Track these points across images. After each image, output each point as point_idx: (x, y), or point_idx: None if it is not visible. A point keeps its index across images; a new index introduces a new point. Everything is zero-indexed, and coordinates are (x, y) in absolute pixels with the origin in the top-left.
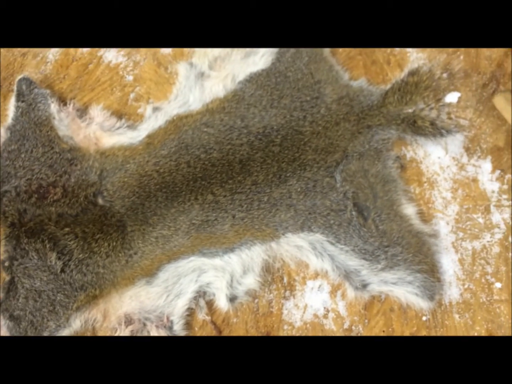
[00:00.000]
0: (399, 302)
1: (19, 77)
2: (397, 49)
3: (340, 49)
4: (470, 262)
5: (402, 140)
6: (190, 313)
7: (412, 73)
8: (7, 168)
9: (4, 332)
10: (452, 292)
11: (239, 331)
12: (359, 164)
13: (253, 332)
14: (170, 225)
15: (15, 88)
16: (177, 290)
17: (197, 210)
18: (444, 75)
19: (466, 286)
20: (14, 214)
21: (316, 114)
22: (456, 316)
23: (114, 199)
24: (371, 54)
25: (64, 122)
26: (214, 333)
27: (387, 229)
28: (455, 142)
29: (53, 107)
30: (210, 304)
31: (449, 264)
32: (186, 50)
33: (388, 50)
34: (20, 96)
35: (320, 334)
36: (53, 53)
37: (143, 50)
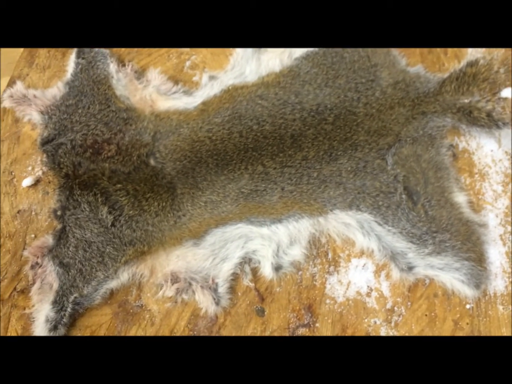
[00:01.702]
0: (443, 288)
1: None
2: None
3: None
4: None
5: (456, 129)
6: (235, 278)
7: (471, 64)
8: (64, 122)
9: (53, 278)
10: (498, 283)
11: (282, 301)
12: (412, 148)
13: (295, 303)
14: (219, 191)
15: None
16: (224, 254)
17: (246, 180)
18: (502, 69)
19: (511, 279)
20: (68, 166)
21: (370, 97)
22: (500, 307)
23: (166, 161)
24: None
25: (121, 82)
26: (257, 300)
27: (437, 215)
28: (509, 136)
29: (112, 66)
30: (254, 272)
31: (496, 256)
32: None
33: None
34: (80, 53)
35: (362, 312)
36: None
37: None
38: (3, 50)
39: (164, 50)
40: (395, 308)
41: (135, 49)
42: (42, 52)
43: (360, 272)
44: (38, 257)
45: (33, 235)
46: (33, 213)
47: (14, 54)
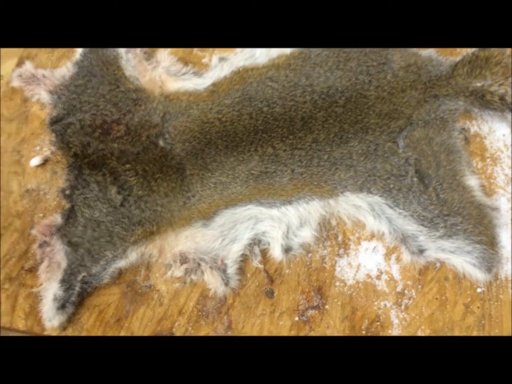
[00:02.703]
0: (454, 271)
1: None
2: None
3: None
4: None
5: (467, 113)
6: (244, 259)
7: (483, 48)
8: (73, 101)
9: (61, 257)
10: (509, 267)
11: (291, 283)
12: (423, 131)
13: (305, 285)
14: (229, 172)
15: None
16: (233, 235)
17: (256, 161)
18: None
19: None
20: (77, 146)
21: (382, 80)
22: (510, 291)
23: (175, 142)
24: None
25: (131, 62)
26: (266, 281)
27: (448, 198)
28: None
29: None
30: (264, 253)
31: (507, 240)
32: None
33: None
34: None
35: (371, 294)
36: None
37: None
38: None
39: None
40: (406, 291)
41: None
42: None
43: (370, 254)
44: (46, 236)
45: (41, 214)
46: (41, 192)
47: None
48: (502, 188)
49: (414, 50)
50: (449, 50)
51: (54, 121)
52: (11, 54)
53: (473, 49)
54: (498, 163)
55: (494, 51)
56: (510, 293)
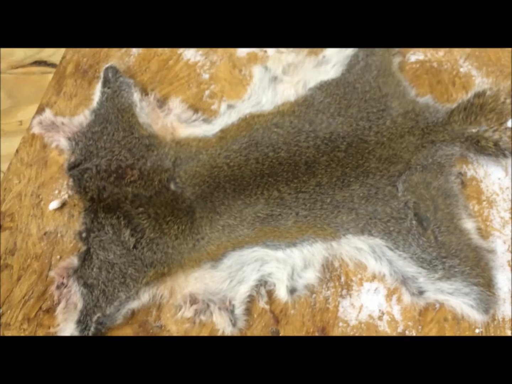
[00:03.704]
0: (453, 312)
1: (107, 65)
2: (463, 71)
3: (407, 67)
4: None
5: (464, 158)
6: (251, 300)
7: (478, 95)
8: (90, 148)
9: (78, 298)
10: (506, 308)
11: (296, 323)
12: (421, 176)
13: (309, 326)
14: (236, 215)
15: (101, 75)
16: (240, 277)
17: (262, 204)
18: (508, 100)
19: None
20: (94, 190)
21: (381, 125)
22: (509, 332)
23: (186, 186)
24: (437, 74)
25: (144, 110)
26: (272, 322)
27: (446, 241)
28: None
29: (136, 96)
30: (270, 294)
31: (504, 281)
32: (260, 54)
33: (454, 72)
34: (106, 83)
35: (374, 335)
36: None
37: (220, 51)
38: (32, 77)
39: (184, 79)
40: (406, 332)
41: (157, 78)
42: (70, 81)
43: (372, 295)
44: (63, 278)
45: (58, 256)
46: (59, 235)
47: (43, 82)
48: (498, 230)
49: (412, 97)
50: (445, 96)
51: (72, 167)
52: (31, 100)
53: (468, 96)
54: (494, 205)
55: (488, 98)
56: (508, 334)
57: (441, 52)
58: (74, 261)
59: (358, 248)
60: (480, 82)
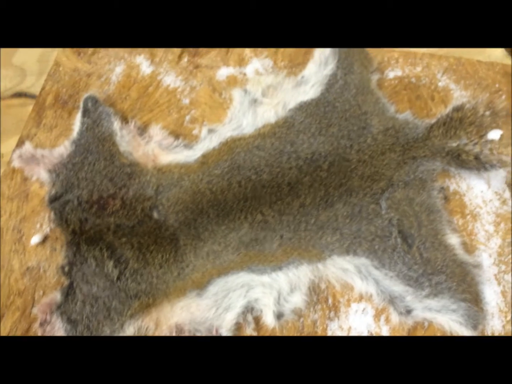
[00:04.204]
0: (442, 330)
1: (86, 95)
2: (441, 86)
3: (386, 83)
4: None
5: (446, 172)
6: (238, 327)
7: (457, 109)
8: (71, 179)
9: (62, 335)
10: (495, 323)
11: None
12: (404, 192)
13: None
14: (221, 241)
15: (81, 105)
16: (226, 304)
17: (246, 228)
18: (487, 112)
19: (508, 318)
20: (75, 222)
21: (362, 143)
22: None
23: (169, 214)
24: (416, 89)
25: (125, 138)
26: None
27: (432, 257)
28: (498, 177)
29: (116, 124)
30: (257, 320)
31: (491, 295)
32: (239, 77)
33: (432, 86)
34: (86, 113)
35: None
36: (116, 75)
37: (199, 76)
38: (13, 110)
39: (165, 105)
40: None
41: (137, 106)
42: (49, 112)
43: (360, 316)
44: (46, 314)
45: (41, 292)
46: (41, 270)
47: (23, 114)
48: (483, 244)
49: (392, 113)
50: (425, 112)
51: (53, 199)
52: (12, 133)
53: (447, 111)
54: (478, 219)
55: (467, 111)
56: None
57: (418, 67)
58: (57, 296)
59: (344, 269)
60: (459, 95)
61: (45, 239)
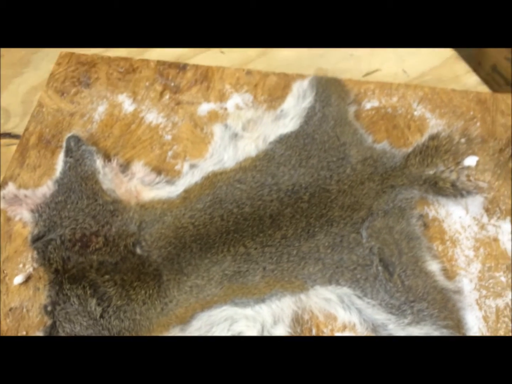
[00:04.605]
0: None
1: (68, 135)
2: (417, 115)
3: (363, 114)
4: (494, 320)
5: (424, 199)
6: None
7: (432, 137)
8: (53, 218)
9: None
10: None
11: None
12: (384, 221)
13: None
14: (204, 275)
15: (64, 144)
16: None
17: (229, 261)
18: (462, 140)
19: None
20: (58, 261)
21: (342, 174)
22: None
23: (152, 249)
24: (393, 119)
25: (108, 176)
26: None
27: (413, 284)
28: (475, 203)
29: (98, 162)
30: None
31: (473, 320)
32: (220, 112)
33: (409, 116)
34: (68, 152)
35: None
36: (99, 114)
37: (180, 112)
38: None
39: (147, 142)
40: None
41: (120, 143)
42: (33, 152)
43: None
44: None
45: (24, 332)
46: (24, 309)
47: (7, 155)
48: (463, 269)
49: (370, 144)
50: (402, 141)
51: (36, 239)
52: None
53: (423, 139)
54: (458, 244)
55: (443, 139)
56: None
57: (395, 98)
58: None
59: (326, 299)
60: (434, 124)
61: (28, 279)
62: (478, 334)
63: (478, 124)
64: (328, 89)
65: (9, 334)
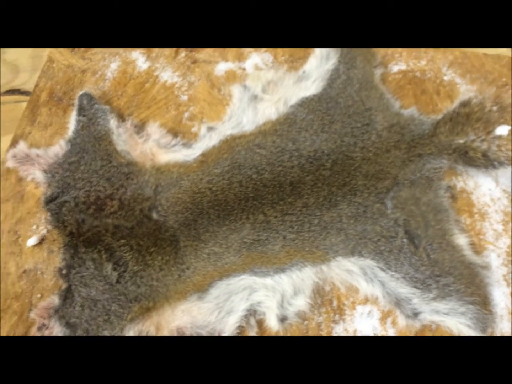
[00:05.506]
0: (450, 333)
1: (81, 92)
2: (447, 80)
3: (390, 78)
4: None
5: (452, 170)
6: (241, 331)
7: (464, 104)
8: (67, 179)
9: None
10: (504, 325)
11: None
12: (410, 191)
13: None
14: (222, 242)
15: (76, 102)
16: (228, 308)
17: (248, 229)
18: (494, 108)
19: None
20: (72, 224)
21: (366, 141)
22: None
23: (168, 214)
24: (421, 83)
25: (122, 137)
26: None
27: (439, 258)
28: (506, 174)
29: (112, 122)
30: (260, 323)
31: (500, 297)
32: (238, 72)
33: (438, 80)
34: (81, 111)
35: None
36: (111, 71)
37: (197, 71)
38: (6, 107)
39: (162, 102)
40: None
41: (134, 103)
42: (44, 110)
43: (366, 319)
44: (44, 319)
45: (39, 295)
46: (38, 272)
47: (17, 112)
48: (492, 244)
49: (396, 109)
50: (430, 107)
51: (49, 200)
52: (6, 131)
53: (454, 106)
54: (486, 218)
55: (474, 106)
56: None
57: (423, 61)
58: (55, 300)
59: (348, 271)
60: (465, 90)
61: (42, 241)
62: (505, 310)
63: (511, 91)
64: (353, 50)
65: (23, 297)
